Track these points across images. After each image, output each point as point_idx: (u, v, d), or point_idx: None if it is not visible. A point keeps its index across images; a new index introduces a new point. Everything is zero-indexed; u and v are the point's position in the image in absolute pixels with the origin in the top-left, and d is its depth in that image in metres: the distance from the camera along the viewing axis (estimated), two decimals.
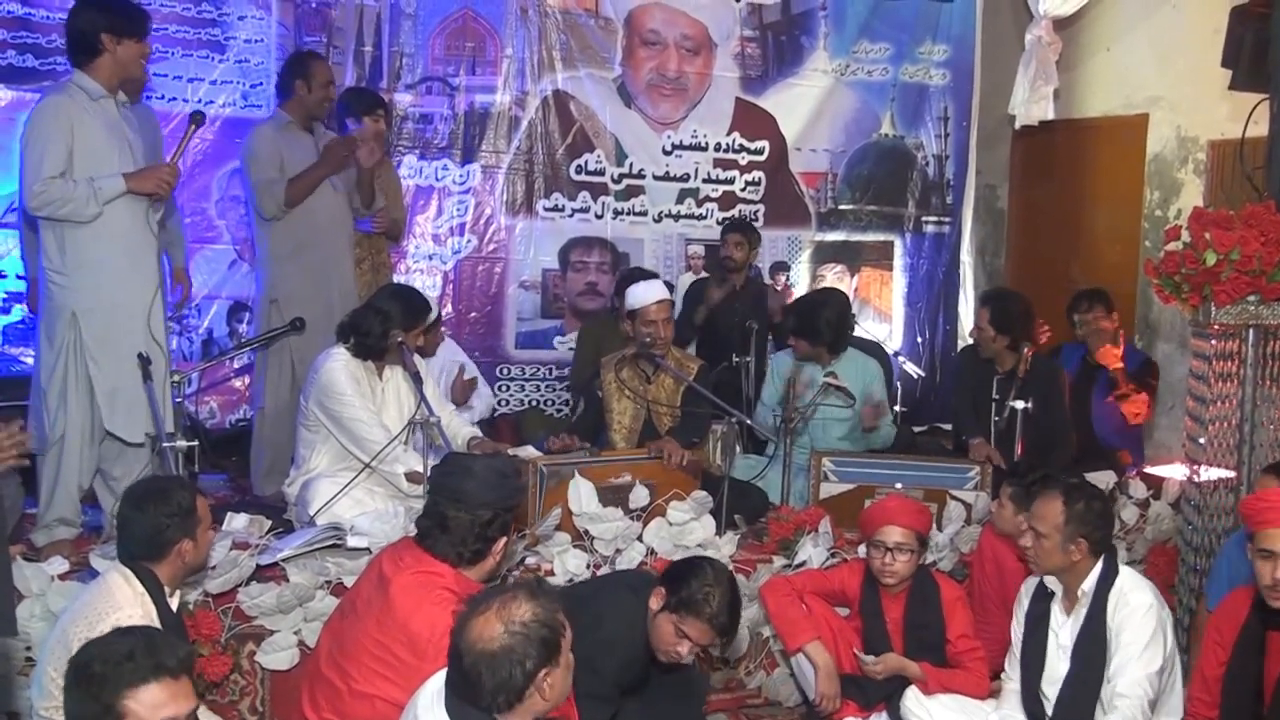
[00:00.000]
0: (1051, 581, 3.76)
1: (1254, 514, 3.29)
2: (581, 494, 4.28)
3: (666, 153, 7.07)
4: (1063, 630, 3.71)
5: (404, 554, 3.30)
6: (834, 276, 7.48)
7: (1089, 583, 3.63)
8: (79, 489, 4.30)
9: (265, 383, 5.32)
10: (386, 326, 4.53)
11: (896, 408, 5.82)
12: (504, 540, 3.35)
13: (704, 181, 7.16)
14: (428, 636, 3.05)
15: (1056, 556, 3.61)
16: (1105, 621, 3.60)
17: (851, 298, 7.28)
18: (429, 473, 3.99)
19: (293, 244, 5.24)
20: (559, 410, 6.86)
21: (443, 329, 6.36)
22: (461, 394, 5.59)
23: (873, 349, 6.01)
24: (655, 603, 3.47)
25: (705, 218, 7.13)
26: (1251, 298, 4.19)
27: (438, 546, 3.26)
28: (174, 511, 3.19)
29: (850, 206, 7.48)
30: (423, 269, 6.64)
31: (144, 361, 4.18)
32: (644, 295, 4.99)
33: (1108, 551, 3.67)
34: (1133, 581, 3.66)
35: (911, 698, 3.90)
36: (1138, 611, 3.57)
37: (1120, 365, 5.66)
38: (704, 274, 6.95)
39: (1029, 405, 4.97)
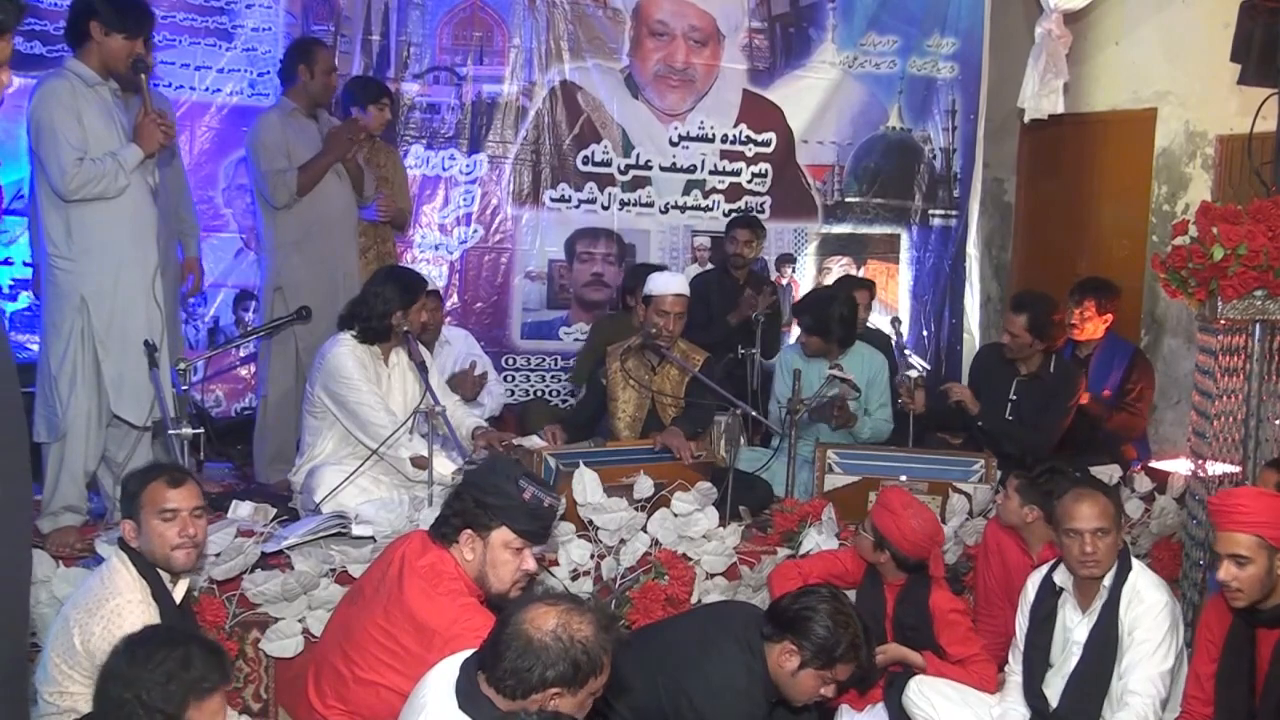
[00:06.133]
0: (1061, 578, 3.75)
1: (1214, 513, 3.33)
2: (586, 484, 4.28)
3: (673, 144, 7.06)
4: (1077, 627, 3.69)
5: (416, 545, 3.28)
6: (840, 269, 7.47)
7: (1108, 577, 3.62)
8: (85, 474, 4.31)
9: (269, 371, 5.32)
10: (386, 308, 4.55)
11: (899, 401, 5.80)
12: (471, 536, 3.16)
13: (710, 173, 7.14)
14: (434, 627, 3.04)
15: (1115, 550, 3.61)
16: (1118, 617, 3.59)
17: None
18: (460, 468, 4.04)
19: (299, 232, 5.24)
20: (564, 401, 6.86)
21: (449, 319, 6.38)
22: (471, 390, 5.53)
23: (878, 339, 6.03)
24: (789, 660, 3.35)
25: (712, 209, 7.12)
26: (1258, 292, 4.18)
27: (434, 526, 3.25)
28: (124, 493, 3.22)
29: (857, 199, 7.48)
30: (429, 259, 6.65)
31: (150, 349, 4.19)
32: (665, 285, 5.01)
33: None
34: (1146, 578, 3.66)
35: (914, 689, 3.89)
36: (1153, 609, 3.57)
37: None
38: (709, 266, 6.95)
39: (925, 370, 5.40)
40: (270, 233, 5.31)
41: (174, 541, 3.15)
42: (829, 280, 7.25)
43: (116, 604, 3.01)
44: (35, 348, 5.18)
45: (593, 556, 4.24)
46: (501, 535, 3.17)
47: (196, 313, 6.08)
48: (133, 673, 2.49)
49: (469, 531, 3.17)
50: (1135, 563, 3.69)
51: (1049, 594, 3.78)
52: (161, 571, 3.17)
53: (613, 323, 6.22)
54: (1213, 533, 3.37)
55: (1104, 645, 3.60)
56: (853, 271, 7.44)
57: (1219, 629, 3.44)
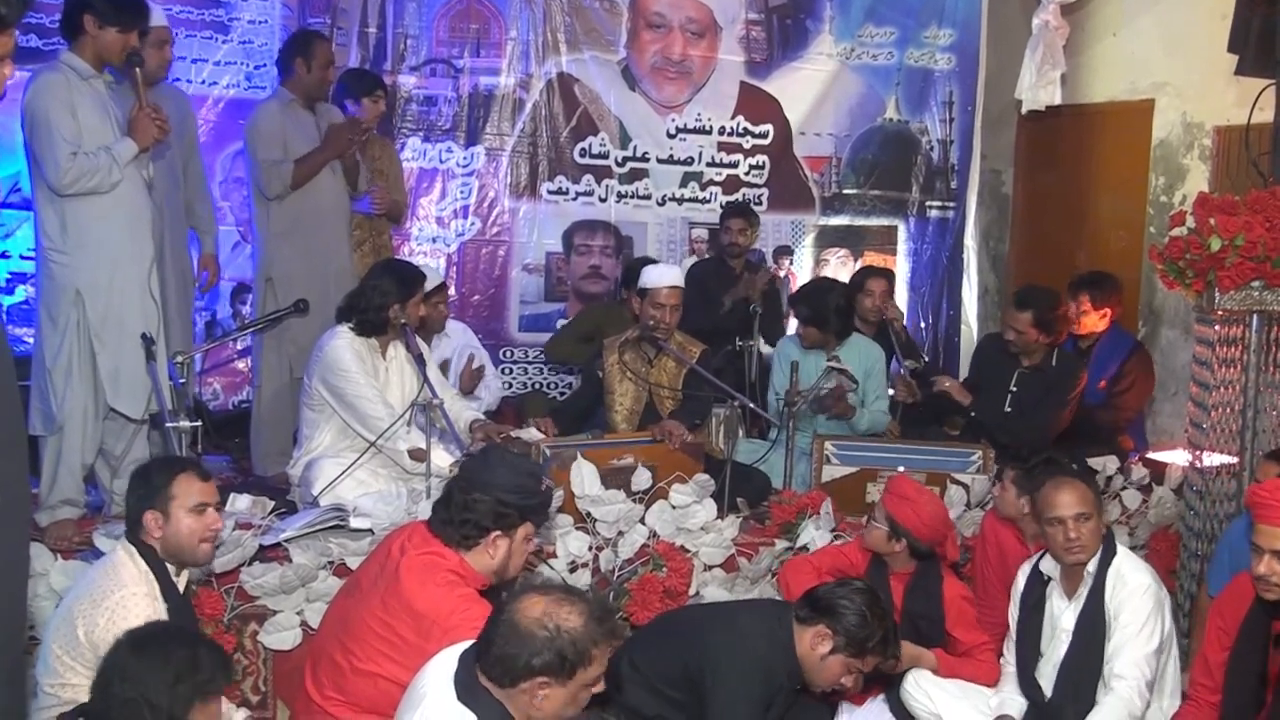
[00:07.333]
0: (1049, 567, 3.77)
1: (1257, 505, 3.27)
2: (584, 476, 4.28)
3: (670, 136, 7.05)
4: (1064, 614, 3.71)
5: (413, 536, 3.29)
6: (837, 261, 7.47)
7: (1093, 564, 3.65)
8: (82, 467, 4.31)
9: (262, 363, 5.33)
10: (383, 301, 4.55)
11: (892, 392, 5.80)
12: (499, 537, 3.21)
13: (708, 165, 7.14)
14: (432, 617, 3.06)
15: (1099, 535, 3.65)
16: (1104, 602, 3.62)
17: None
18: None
19: (290, 223, 5.24)
20: (562, 393, 6.86)
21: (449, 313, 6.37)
22: (468, 383, 5.53)
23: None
24: (821, 644, 3.39)
25: (709, 201, 7.11)
26: (1255, 283, 4.19)
27: (441, 527, 3.26)
28: (142, 485, 3.19)
29: (854, 191, 7.46)
30: (426, 251, 6.64)
31: (147, 342, 4.19)
32: (659, 277, 5.04)
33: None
34: (1130, 562, 3.70)
35: (912, 682, 3.90)
36: (1136, 592, 3.60)
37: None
38: (706, 256, 6.94)
39: (919, 365, 5.68)
40: (263, 223, 5.31)
41: (203, 534, 3.17)
42: (828, 272, 7.27)
43: (121, 596, 3.00)
44: (32, 341, 5.18)
45: (591, 549, 4.25)
46: (525, 530, 3.27)
47: (194, 306, 6.07)
48: (140, 671, 2.49)
49: (498, 532, 3.21)
50: (1120, 548, 3.73)
51: (1037, 583, 3.81)
52: (169, 564, 3.17)
53: (605, 311, 6.22)
54: (1252, 526, 3.25)
55: (1091, 631, 3.63)
56: (850, 264, 7.43)
57: (1233, 617, 3.41)
